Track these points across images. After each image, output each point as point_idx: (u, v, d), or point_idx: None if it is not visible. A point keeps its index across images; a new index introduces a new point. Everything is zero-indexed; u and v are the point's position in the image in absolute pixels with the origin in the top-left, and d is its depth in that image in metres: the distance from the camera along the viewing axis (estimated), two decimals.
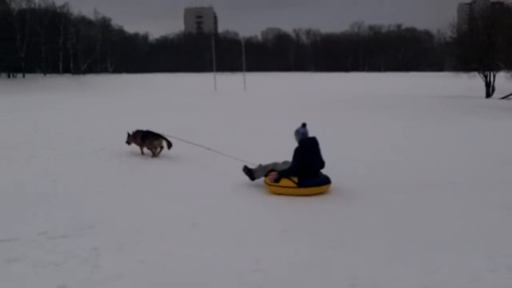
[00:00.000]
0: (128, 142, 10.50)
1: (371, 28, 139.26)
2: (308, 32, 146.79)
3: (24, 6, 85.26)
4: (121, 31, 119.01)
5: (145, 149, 10.36)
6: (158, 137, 10.09)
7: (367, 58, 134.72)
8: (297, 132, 7.50)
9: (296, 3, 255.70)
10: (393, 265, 4.71)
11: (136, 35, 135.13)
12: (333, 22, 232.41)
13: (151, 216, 6.28)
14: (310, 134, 7.58)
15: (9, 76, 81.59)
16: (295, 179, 7.06)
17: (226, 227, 5.91)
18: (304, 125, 7.50)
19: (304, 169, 7.08)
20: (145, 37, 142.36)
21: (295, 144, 7.51)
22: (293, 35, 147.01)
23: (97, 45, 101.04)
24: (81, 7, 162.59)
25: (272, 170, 7.43)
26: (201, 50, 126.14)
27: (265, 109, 24.35)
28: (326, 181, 7.27)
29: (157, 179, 8.54)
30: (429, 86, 56.96)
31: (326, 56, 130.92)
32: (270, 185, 7.23)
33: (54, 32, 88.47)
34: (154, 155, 10.19)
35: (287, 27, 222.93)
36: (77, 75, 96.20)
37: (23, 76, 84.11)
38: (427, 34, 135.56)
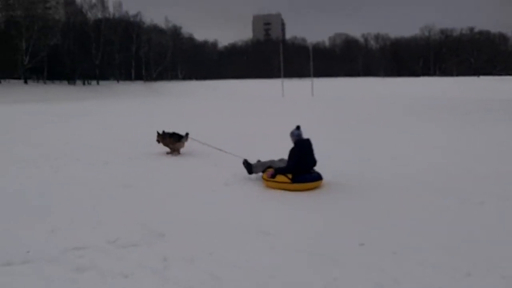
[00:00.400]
0: (158, 141, 11.20)
1: (442, 31, 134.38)
2: (376, 37, 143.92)
3: (99, 16, 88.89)
4: (191, 39, 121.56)
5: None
6: (180, 138, 10.91)
7: (438, 62, 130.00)
8: (292, 134, 7.98)
9: (364, 8, 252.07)
10: None
11: (205, 42, 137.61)
12: (402, 26, 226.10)
13: (222, 224, 5.94)
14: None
15: (84, 83, 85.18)
16: (290, 176, 7.55)
17: (298, 234, 5.51)
18: (298, 127, 8.01)
19: (298, 167, 7.58)
20: (214, 45, 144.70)
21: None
22: (361, 40, 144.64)
23: (168, 53, 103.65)
24: (153, 16, 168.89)
25: (270, 167, 7.95)
26: (269, 56, 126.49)
27: (332, 115, 23.73)
28: (318, 177, 7.72)
29: (227, 185, 8.20)
30: (507, 91, 53.86)
31: (395, 61, 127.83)
32: (267, 180, 7.79)
33: (127, 41, 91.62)
34: (173, 154, 11.00)
35: (355, 32, 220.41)
36: (149, 82, 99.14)
37: (98, 83, 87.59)
38: (502, 37, 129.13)
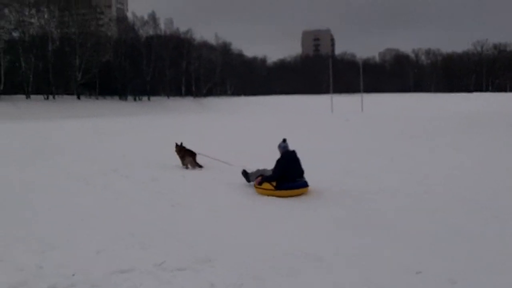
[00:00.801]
0: (176, 152, 11.74)
1: (495, 46, 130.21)
2: (428, 52, 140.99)
3: (151, 32, 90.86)
4: (240, 55, 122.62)
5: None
6: (192, 154, 11.55)
7: (491, 78, 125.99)
8: (279, 146, 8.96)
9: (415, 24, 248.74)
10: None
11: (254, 58, 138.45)
12: (454, 41, 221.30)
13: (272, 250, 5.59)
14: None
15: (135, 99, 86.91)
16: (274, 183, 8.33)
17: (350, 260, 5.11)
18: (284, 140, 9.06)
19: (284, 176, 8.34)
20: (263, 60, 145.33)
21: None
22: (412, 55, 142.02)
23: (218, 69, 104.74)
24: (203, 33, 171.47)
25: (260, 175, 8.64)
26: (318, 72, 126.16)
27: (383, 131, 23.02)
28: (302, 185, 8.44)
29: (275, 205, 7.84)
30: None
31: (447, 76, 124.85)
32: (256, 187, 8.60)
33: (178, 57, 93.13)
34: (186, 167, 11.49)
35: (406, 48, 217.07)
36: (198, 97, 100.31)
37: (148, 99, 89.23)
38: None
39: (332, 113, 51.87)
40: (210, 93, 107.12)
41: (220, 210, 7.31)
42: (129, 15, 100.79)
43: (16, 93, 67.73)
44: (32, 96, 68.68)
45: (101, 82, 77.54)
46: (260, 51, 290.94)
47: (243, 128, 27.42)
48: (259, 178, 8.57)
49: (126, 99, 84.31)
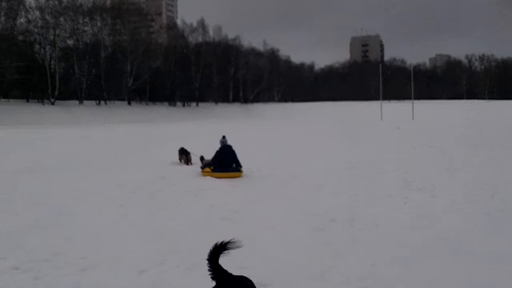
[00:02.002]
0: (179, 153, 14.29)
1: None
2: (481, 58, 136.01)
3: (200, 39, 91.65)
4: (288, 61, 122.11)
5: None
6: (187, 153, 14.06)
7: None
8: (220, 141, 11.65)
9: (467, 29, 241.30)
10: None
11: (302, 64, 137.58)
12: (510, 46, 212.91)
13: (322, 272, 4.93)
14: None
15: (184, 105, 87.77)
16: (211, 168, 11.09)
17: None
18: (224, 136, 11.82)
19: (220, 162, 11.04)
20: (311, 67, 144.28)
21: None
22: (465, 61, 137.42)
23: (265, 75, 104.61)
24: (251, 39, 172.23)
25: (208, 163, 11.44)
26: (366, 78, 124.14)
27: (438, 140, 21.77)
28: (232, 170, 11.01)
29: (334, 221, 7.13)
30: None
31: (502, 83, 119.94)
32: (201, 170, 11.49)
33: (226, 63, 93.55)
34: (185, 163, 13.86)
35: (458, 53, 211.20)
36: (246, 104, 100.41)
37: (197, 104, 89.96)
38: None
39: (382, 121, 50.48)
40: (257, 99, 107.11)
41: (275, 227, 6.62)
42: (179, 22, 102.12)
43: (70, 98, 69.55)
44: (85, 102, 70.38)
45: (151, 88, 78.68)
46: (307, 57, 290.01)
47: (289, 135, 26.79)
48: (202, 163, 11.76)
49: (175, 105, 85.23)
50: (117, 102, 76.55)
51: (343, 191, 8.91)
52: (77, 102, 69.47)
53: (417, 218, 7.11)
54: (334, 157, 14.33)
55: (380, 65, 75.04)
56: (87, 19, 72.14)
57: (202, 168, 11.36)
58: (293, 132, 29.37)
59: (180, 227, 6.54)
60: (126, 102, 76.36)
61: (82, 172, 12.23)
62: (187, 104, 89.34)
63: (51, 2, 65.54)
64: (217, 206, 7.75)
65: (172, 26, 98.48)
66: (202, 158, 12.52)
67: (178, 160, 14.10)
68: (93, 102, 71.97)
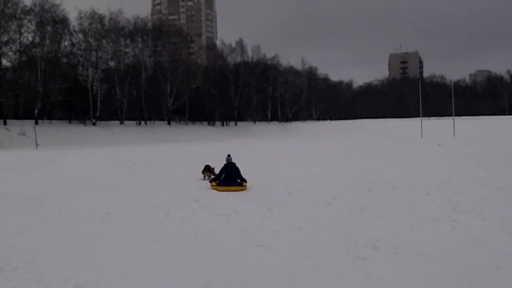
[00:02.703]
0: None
1: None
2: None
3: (239, 59, 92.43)
4: (326, 79, 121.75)
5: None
6: (209, 170, 14.91)
7: None
8: (225, 159, 12.95)
9: (507, 44, 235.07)
10: None
11: (340, 82, 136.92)
12: None
13: None
14: None
15: (223, 124, 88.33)
16: (216, 182, 12.33)
17: None
18: (229, 155, 13.14)
19: (224, 178, 12.28)
20: (349, 84, 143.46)
21: None
22: (506, 76, 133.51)
23: (303, 93, 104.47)
24: (289, 58, 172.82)
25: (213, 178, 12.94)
26: (405, 95, 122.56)
27: (484, 157, 20.77)
28: (234, 185, 12.04)
29: (376, 248, 6.61)
30: None
31: None
32: (210, 183, 12.70)
33: (264, 83, 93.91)
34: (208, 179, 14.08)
35: (499, 69, 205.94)
36: (284, 122, 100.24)
37: (235, 124, 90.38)
38: None
39: (422, 138, 49.20)
40: (295, 117, 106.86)
41: (313, 254, 6.11)
42: (218, 43, 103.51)
43: (111, 119, 70.91)
44: (126, 122, 71.66)
45: (191, 108, 79.59)
46: (346, 75, 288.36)
47: (328, 153, 26.25)
48: (211, 179, 13.22)
49: (214, 124, 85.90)
50: (157, 122, 77.69)
51: (386, 213, 8.37)
52: (117, 122, 70.80)
53: (466, 244, 6.52)
54: (376, 176, 13.75)
55: (420, 82, 73.64)
56: (128, 41, 73.85)
57: (210, 182, 12.79)
58: (332, 151, 28.81)
59: (213, 257, 6.16)
60: (166, 122, 77.38)
61: (117, 193, 12.09)
62: (226, 123, 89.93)
63: (94, 25, 67.48)
64: (252, 232, 7.29)
65: (211, 46, 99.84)
66: (208, 169, 14.77)
67: (202, 176, 14.85)
68: (134, 123, 73.21)
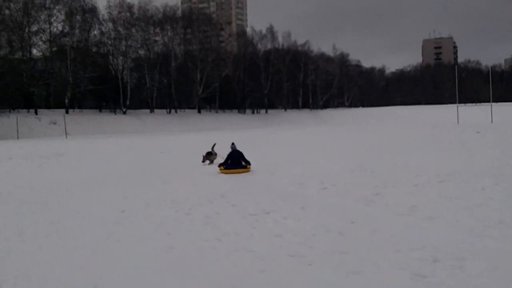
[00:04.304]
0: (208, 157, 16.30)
1: None
2: None
3: (269, 46, 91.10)
4: (358, 66, 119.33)
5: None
6: (211, 154, 16.27)
7: None
8: (230, 146, 14.50)
9: None
10: None
11: (372, 69, 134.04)
12: None
13: None
14: None
15: (253, 112, 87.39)
16: (224, 166, 13.73)
17: None
18: (233, 143, 14.75)
19: (230, 162, 13.75)
20: (382, 71, 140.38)
21: None
22: None
23: (335, 80, 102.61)
24: (320, 44, 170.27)
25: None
26: (440, 81, 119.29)
27: None
28: (239, 167, 13.64)
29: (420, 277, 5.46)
30: None
31: None
32: (219, 167, 13.95)
33: (295, 70, 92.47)
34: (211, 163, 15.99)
35: None
36: (315, 109, 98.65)
37: (266, 111, 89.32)
38: None
39: (459, 125, 47.14)
40: (327, 105, 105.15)
41: (360, 270, 4.92)
42: (248, 30, 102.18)
43: (141, 108, 70.81)
44: (156, 111, 71.44)
45: (221, 96, 78.96)
46: (378, 61, 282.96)
47: (363, 142, 24.94)
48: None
49: (244, 112, 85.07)
50: (187, 111, 77.33)
51: (439, 214, 7.15)
52: (148, 111, 70.64)
53: None
54: (419, 167, 12.48)
55: (456, 67, 71.09)
56: (158, 29, 73.34)
57: (219, 166, 13.99)
58: (367, 139, 27.45)
59: (237, 270, 5.12)
60: (196, 111, 76.89)
61: (138, 186, 11.25)
62: (257, 111, 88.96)
63: (123, 14, 67.19)
64: (284, 237, 6.14)
65: (241, 34, 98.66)
66: (208, 153, 16.27)
67: (202, 161, 16.09)
68: (164, 111, 72.96)
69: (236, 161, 13.75)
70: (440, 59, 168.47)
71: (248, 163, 13.83)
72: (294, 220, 7.10)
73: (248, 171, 13.53)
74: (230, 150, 14.29)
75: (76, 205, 9.13)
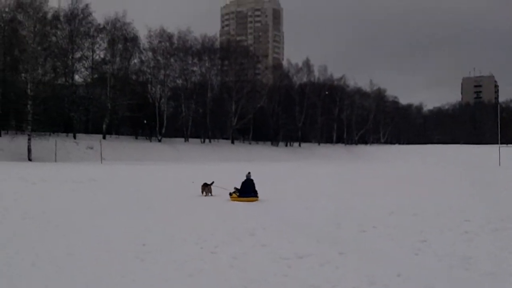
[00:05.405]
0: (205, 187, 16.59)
1: None
2: None
3: (304, 79, 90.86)
4: (395, 102, 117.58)
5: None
6: (207, 185, 16.51)
7: None
8: (245, 175, 15.25)
9: None
10: None
11: (410, 105, 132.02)
12: None
13: None
14: None
15: (286, 145, 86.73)
16: (237, 194, 14.85)
17: None
18: (249, 173, 15.49)
19: (243, 191, 14.74)
20: (419, 108, 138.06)
21: None
22: None
23: (371, 116, 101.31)
24: (357, 79, 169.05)
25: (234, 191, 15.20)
26: (480, 120, 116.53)
27: None
28: (253, 195, 14.69)
29: None
30: None
31: None
32: (230, 197, 15.00)
33: (330, 103, 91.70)
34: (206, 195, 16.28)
35: None
36: (350, 145, 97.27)
37: (299, 145, 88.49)
38: None
39: (500, 166, 45.29)
40: (361, 140, 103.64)
41: None
42: (284, 63, 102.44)
43: (176, 136, 71.08)
44: (190, 140, 71.57)
45: (255, 127, 78.73)
46: (415, 98, 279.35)
47: (402, 181, 23.91)
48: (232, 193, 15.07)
49: (277, 144, 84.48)
50: (221, 141, 77.26)
51: (501, 270, 6.18)
52: (182, 139, 70.81)
53: None
54: (466, 212, 11.51)
55: (499, 107, 69.17)
56: (196, 60, 74.03)
57: (230, 195, 14.91)
58: (406, 178, 26.36)
59: None
60: (229, 141, 76.74)
61: (163, 217, 10.68)
62: (290, 144, 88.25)
63: (163, 43, 68.07)
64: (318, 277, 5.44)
65: (277, 66, 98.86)
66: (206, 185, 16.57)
67: (201, 192, 16.38)
68: (198, 140, 73.02)
69: (248, 190, 14.65)
70: (480, 97, 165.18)
71: (256, 192, 14.80)
72: (332, 268, 6.27)
73: (257, 199, 14.49)
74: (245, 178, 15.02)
75: (97, 234, 8.59)
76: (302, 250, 7.25)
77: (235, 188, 15.40)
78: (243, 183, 14.82)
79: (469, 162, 60.59)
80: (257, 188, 15.06)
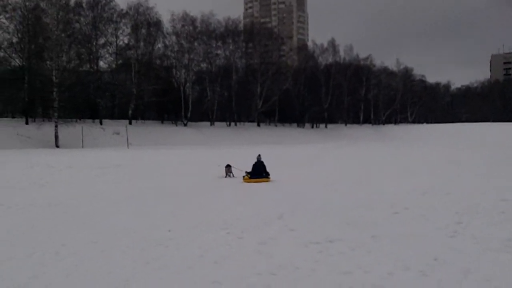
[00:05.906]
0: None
1: None
2: None
3: (330, 60, 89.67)
4: (422, 81, 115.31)
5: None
6: (229, 167, 17.27)
7: None
8: (256, 157, 16.13)
9: None
10: None
11: (437, 84, 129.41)
12: None
13: None
14: None
15: (312, 126, 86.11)
16: (249, 176, 15.44)
17: None
18: (259, 155, 16.49)
19: (254, 172, 15.48)
20: (447, 86, 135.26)
21: None
22: None
23: (398, 96, 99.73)
24: (383, 58, 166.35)
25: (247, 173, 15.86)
26: (510, 97, 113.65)
27: None
28: (262, 177, 15.37)
29: None
30: None
31: None
32: (243, 179, 15.51)
33: (356, 84, 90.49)
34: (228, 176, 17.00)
35: None
36: (377, 125, 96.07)
37: (326, 126, 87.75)
38: None
39: None
40: (389, 120, 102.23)
41: None
42: (309, 43, 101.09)
43: (201, 120, 71.15)
44: (216, 123, 71.54)
45: (280, 109, 78.28)
46: (443, 77, 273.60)
47: (431, 160, 23.32)
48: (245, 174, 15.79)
49: (303, 126, 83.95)
50: (247, 124, 77.04)
51: None
52: (208, 123, 70.83)
53: None
54: (502, 190, 11.04)
55: None
56: (220, 43, 73.64)
57: (244, 177, 15.55)
58: (435, 156, 25.74)
59: None
60: (255, 124, 76.49)
61: (189, 203, 10.51)
62: (316, 125, 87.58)
63: (186, 27, 67.79)
64: (353, 275, 5.10)
65: (302, 48, 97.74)
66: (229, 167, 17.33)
67: (225, 174, 17.10)
68: (224, 124, 72.97)
69: (259, 172, 15.53)
70: (510, 74, 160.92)
71: (268, 174, 15.61)
72: (364, 252, 5.99)
73: (268, 181, 15.27)
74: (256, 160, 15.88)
75: (122, 221, 8.46)
76: (332, 234, 6.97)
77: (246, 172, 15.97)
78: (254, 165, 15.75)
79: (499, 141, 59.15)
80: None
